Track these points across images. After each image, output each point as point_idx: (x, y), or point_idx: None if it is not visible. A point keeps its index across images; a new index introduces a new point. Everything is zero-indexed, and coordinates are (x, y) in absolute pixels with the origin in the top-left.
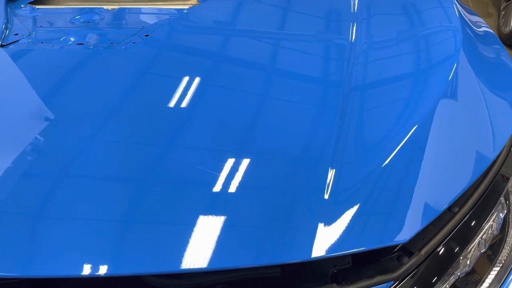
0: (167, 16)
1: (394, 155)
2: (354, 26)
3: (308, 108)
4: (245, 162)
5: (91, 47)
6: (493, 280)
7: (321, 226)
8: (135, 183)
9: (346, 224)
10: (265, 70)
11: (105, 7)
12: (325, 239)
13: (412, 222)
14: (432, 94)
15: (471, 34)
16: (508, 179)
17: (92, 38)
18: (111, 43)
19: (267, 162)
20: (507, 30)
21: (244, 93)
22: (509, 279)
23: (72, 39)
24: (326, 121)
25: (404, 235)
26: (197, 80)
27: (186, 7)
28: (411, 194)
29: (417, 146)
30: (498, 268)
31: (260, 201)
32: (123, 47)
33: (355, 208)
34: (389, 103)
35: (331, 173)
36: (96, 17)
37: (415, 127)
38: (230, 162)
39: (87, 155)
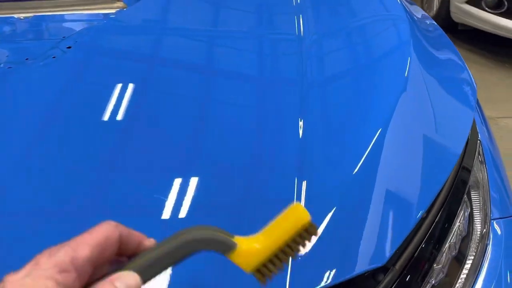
0: (92, 23)
1: (358, 169)
2: (300, 19)
3: (265, 112)
4: (195, 182)
5: (1, 65)
6: (465, 280)
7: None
8: (74, 216)
9: (316, 257)
10: (209, 74)
11: (16, 15)
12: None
13: (386, 242)
14: (390, 93)
15: (415, 20)
16: (469, 171)
17: (2, 55)
18: (26, 59)
19: (220, 177)
20: (430, 14)
21: (189, 100)
22: (480, 276)
23: None
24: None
25: (380, 258)
26: (130, 93)
27: (113, 11)
28: (379, 212)
29: (379, 156)
30: (468, 266)
31: (219, 222)
32: (41, 63)
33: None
34: (347, 103)
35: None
36: (6, 28)
37: (378, 132)
38: (179, 183)
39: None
